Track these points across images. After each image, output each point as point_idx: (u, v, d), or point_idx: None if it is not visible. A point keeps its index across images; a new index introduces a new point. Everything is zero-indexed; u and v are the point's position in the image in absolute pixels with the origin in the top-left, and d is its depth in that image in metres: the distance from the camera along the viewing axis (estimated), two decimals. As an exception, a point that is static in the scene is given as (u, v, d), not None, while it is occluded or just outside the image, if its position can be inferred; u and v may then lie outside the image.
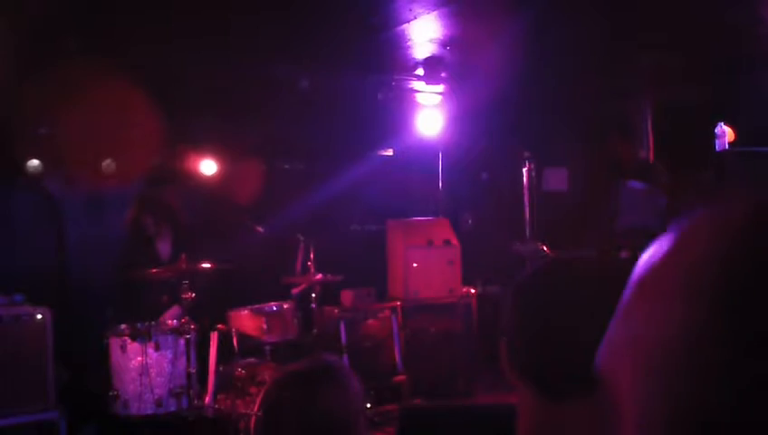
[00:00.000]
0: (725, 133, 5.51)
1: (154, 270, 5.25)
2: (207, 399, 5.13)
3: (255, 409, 4.74)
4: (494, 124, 7.21)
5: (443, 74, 6.44)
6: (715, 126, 5.58)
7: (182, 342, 5.03)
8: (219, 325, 5.46)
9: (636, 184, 5.92)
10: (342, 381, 1.97)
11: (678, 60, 5.77)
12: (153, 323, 5.01)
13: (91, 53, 5.22)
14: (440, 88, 6.89)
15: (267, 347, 5.45)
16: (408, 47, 5.90)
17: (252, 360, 5.43)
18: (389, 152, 7.95)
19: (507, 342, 1.30)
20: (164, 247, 5.64)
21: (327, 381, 1.95)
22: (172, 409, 4.96)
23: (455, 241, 6.73)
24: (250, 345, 5.50)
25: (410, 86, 6.85)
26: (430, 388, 6.23)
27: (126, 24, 4.99)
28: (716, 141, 5.57)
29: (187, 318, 5.14)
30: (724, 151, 5.54)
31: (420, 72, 6.47)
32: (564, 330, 1.23)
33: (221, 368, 5.27)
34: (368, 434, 2.04)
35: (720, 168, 5.59)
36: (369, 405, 5.44)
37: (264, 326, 5.48)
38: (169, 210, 5.71)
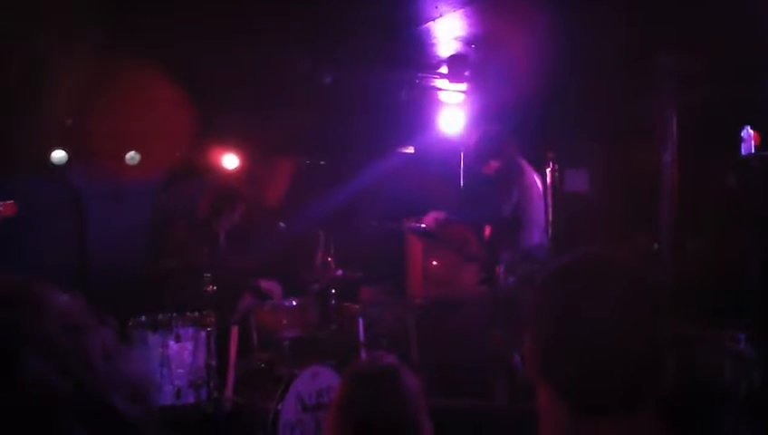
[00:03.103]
0: (752, 137, 5.45)
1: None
2: (227, 392, 5.16)
3: (274, 404, 4.76)
4: (516, 124, 7.18)
5: (466, 73, 6.42)
6: (741, 130, 5.52)
7: (203, 334, 5.07)
8: (239, 319, 5.50)
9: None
10: (402, 382, 2.03)
11: (704, 61, 5.71)
12: (175, 314, 5.05)
13: (117, 46, 5.26)
14: (463, 86, 6.86)
15: (286, 342, 5.47)
16: (433, 45, 5.89)
17: (271, 354, 5.46)
18: (411, 150, 7.94)
19: (535, 348, 1.25)
20: (222, 240, 5.80)
21: (388, 382, 2.01)
22: (191, 400, 5.00)
23: (474, 239, 6.71)
24: (269, 340, 5.53)
25: (434, 84, 6.83)
26: (447, 387, 6.23)
27: (153, 17, 5.02)
28: (742, 145, 5.51)
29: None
30: (749, 156, 5.48)
31: (444, 70, 6.46)
32: (601, 342, 1.18)
33: (240, 361, 5.31)
34: (430, 431, 2.08)
35: (745, 172, 5.54)
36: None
37: (284, 321, 5.50)
38: (251, 203, 5.94)
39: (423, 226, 6.13)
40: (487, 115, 6.86)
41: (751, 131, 5.50)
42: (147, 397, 0.75)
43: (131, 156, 6.74)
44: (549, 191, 5.30)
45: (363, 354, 5.91)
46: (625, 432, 1.18)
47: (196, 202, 5.91)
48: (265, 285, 5.75)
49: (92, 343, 0.74)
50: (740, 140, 5.53)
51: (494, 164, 5.87)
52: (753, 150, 5.46)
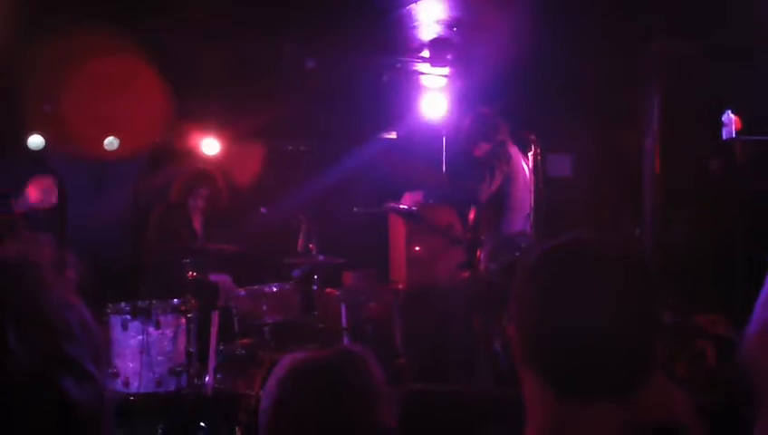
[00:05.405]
0: (733, 121, 5.47)
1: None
2: (207, 378, 5.12)
3: (256, 389, 4.73)
4: (498, 108, 7.16)
5: (449, 57, 6.39)
6: (722, 114, 5.53)
7: (183, 320, 5.02)
8: (220, 305, 5.45)
9: None
10: (363, 369, 1.86)
11: (687, 46, 5.71)
12: (154, 301, 5.00)
13: (95, 29, 5.18)
14: (445, 70, 6.83)
15: (267, 328, 5.43)
16: (415, 28, 5.85)
17: (252, 340, 5.42)
18: (393, 135, 7.90)
19: (522, 334, 1.22)
20: (198, 224, 5.78)
21: (346, 370, 1.83)
22: (172, 387, 4.96)
23: (457, 224, 6.70)
24: (250, 325, 5.49)
25: (415, 68, 6.79)
26: (431, 372, 6.22)
27: (132, 2, 4.95)
28: (723, 129, 5.52)
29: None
30: (731, 140, 5.50)
31: (426, 53, 6.42)
32: (590, 327, 1.14)
33: (221, 347, 5.26)
34: (390, 420, 1.87)
35: (727, 156, 5.55)
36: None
37: (265, 307, 5.46)
38: (219, 187, 5.91)
39: (404, 206, 6.14)
40: (470, 99, 6.83)
41: (732, 116, 5.51)
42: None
43: (110, 141, 6.66)
44: (531, 176, 5.30)
45: (346, 340, 5.88)
46: (615, 414, 1.16)
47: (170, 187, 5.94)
48: (214, 278, 5.73)
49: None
50: (721, 124, 5.55)
51: (484, 146, 5.88)
52: (734, 135, 5.48)
